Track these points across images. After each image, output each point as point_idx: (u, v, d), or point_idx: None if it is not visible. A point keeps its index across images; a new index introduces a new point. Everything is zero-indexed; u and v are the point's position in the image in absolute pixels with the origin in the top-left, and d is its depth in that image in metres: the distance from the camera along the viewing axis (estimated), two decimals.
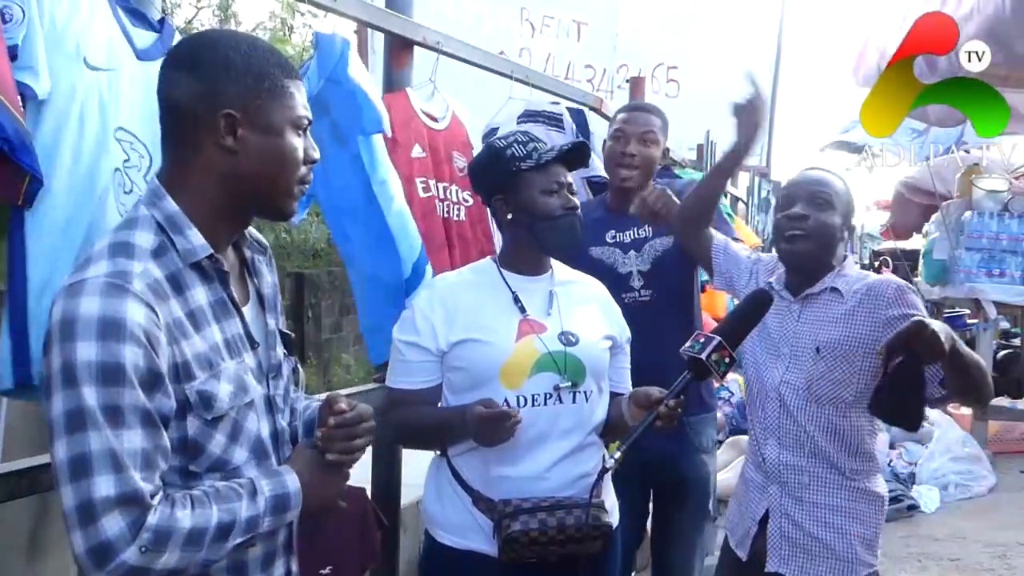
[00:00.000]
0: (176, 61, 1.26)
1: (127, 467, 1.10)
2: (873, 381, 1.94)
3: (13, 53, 1.53)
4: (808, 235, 1.97)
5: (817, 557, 1.99)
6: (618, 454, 1.57)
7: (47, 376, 1.13)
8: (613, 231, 2.62)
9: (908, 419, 1.78)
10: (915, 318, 1.67)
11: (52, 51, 1.60)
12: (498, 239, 2.78)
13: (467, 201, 2.72)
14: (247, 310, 1.33)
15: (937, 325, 1.66)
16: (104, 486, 1.09)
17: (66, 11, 1.64)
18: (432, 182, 2.62)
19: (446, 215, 2.66)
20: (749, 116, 2.16)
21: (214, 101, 1.20)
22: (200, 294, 1.23)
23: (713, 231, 2.30)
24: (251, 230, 1.40)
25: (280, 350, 1.39)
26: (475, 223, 2.75)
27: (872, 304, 1.96)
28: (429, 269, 2.42)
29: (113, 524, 1.09)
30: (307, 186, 1.31)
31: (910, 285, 2.03)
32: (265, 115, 1.23)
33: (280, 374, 1.38)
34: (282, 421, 1.37)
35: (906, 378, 1.69)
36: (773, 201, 6.02)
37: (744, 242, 3.80)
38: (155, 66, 1.80)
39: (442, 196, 2.65)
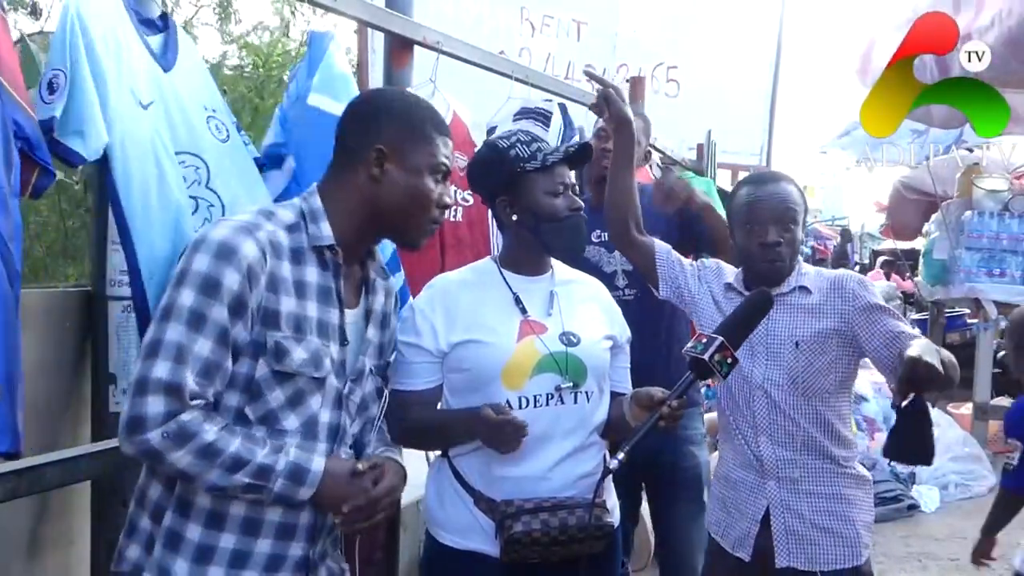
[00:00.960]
0: (356, 101, 1.58)
1: (187, 363, 1.30)
2: (849, 367, 2.08)
3: (50, 125, 1.62)
4: (783, 259, 2.05)
5: (824, 546, 2.03)
6: (621, 455, 1.58)
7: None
8: (598, 230, 2.65)
9: (928, 454, 1.81)
10: (907, 356, 1.69)
11: (116, 105, 1.66)
12: (497, 239, 2.79)
13: (466, 201, 2.72)
14: (351, 313, 1.51)
15: (922, 348, 1.71)
16: (161, 369, 1.28)
17: (114, 62, 1.68)
18: None
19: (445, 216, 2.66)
20: (610, 107, 2.17)
21: (371, 137, 1.47)
22: (312, 274, 1.43)
23: (654, 239, 2.30)
24: (380, 258, 1.62)
25: (370, 362, 1.56)
26: (473, 224, 2.74)
27: (839, 298, 2.06)
28: (400, 274, 2.41)
29: (153, 404, 1.28)
30: (437, 225, 1.54)
31: (863, 276, 2.18)
32: (410, 157, 1.48)
33: (361, 381, 1.54)
34: (348, 423, 1.50)
35: (916, 413, 1.74)
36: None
37: None
38: (177, 74, 1.84)
39: None
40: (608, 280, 2.54)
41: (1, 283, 1.54)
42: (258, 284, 1.35)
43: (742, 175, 6.70)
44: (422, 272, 2.49)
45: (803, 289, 2.09)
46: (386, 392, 1.64)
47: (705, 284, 2.21)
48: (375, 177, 1.46)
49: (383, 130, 1.47)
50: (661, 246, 2.28)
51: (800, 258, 2.16)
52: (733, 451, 2.16)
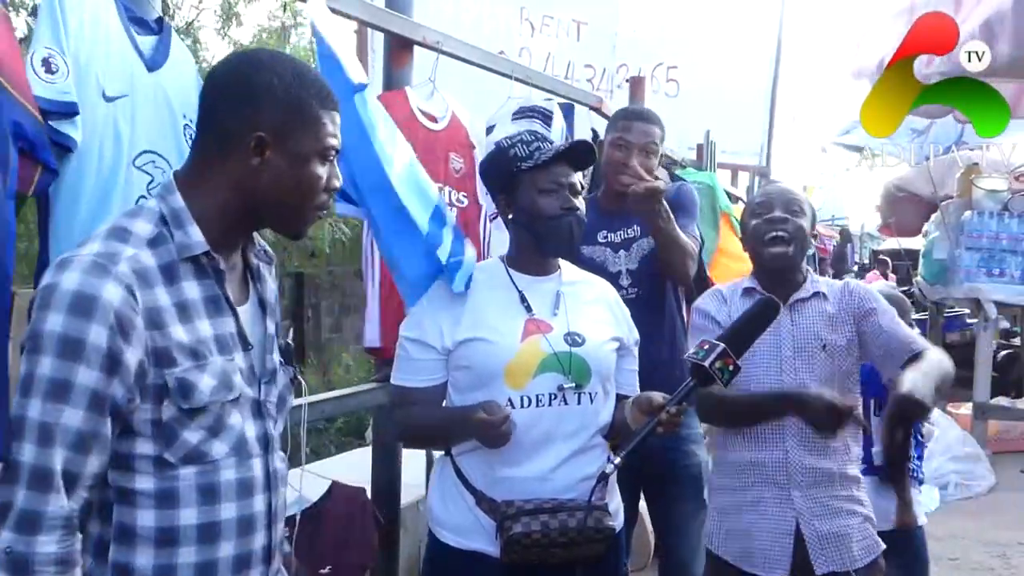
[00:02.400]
0: (224, 72, 1.32)
1: (54, 443, 1.12)
2: (857, 364, 2.14)
3: (74, 110, 1.55)
4: (789, 238, 2.09)
5: (851, 544, 2.06)
6: (618, 459, 1.58)
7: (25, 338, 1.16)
8: (605, 231, 2.66)
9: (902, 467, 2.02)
10: (896, 394, 1.77)
11: (80, 93, 1.62)
12: (496, 242, 2.79)
13: (461, 203, 2.71)
14: (244, 310, 1.34)
15: (913, 383, 1.77)
16: (27, 453, 1.11)
17: (88, 48, 1.65)
18: None
19: None
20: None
21: (249, 121, 1.25)
22: (192, 288, 1.25)
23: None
24: (259, 239, 1.43)
25: (276, 356, 1.40)
26: (469, 224, 2.73)
27: (850, 303, 2.13)
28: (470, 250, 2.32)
29: (16, 495, 1.11)
30: (324, 211, 1.35)
31: (867, 286, 2.25)
32: (295, 143, 1.27)
33: (274, 380, 1.38)
34: (272, 427, 1.36)
35: (902, 443, 1.82)
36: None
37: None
38: (163, 75, 1.83)
39: None
40: (612, 280, 2.54)
41: None
42: (134, 330, 1.15)
43: (742, 175, 6.71)
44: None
45: (821, 295, 2.14)
46: (299, 378, 1.52)
47: (723, 314, 2.16)
48: (254, 167, 1.26)
49: (263, 113, 1.25)
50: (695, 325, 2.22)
51: (809, 268, 2.21)
52: (747, 470, 2.11)
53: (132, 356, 1.16)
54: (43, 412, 1.12)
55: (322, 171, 1.30)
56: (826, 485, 2.07)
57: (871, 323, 2.08)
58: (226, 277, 1.30)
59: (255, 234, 1.41)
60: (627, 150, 2.63)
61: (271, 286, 1.43)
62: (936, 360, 1.95)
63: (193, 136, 1.89)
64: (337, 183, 1.35)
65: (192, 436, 1.23)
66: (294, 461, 1.67)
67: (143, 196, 1.73)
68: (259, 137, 1.25)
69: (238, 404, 1.28)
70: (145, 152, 1.76)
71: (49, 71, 1.55)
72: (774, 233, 2.09)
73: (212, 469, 1.25)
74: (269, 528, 1.33)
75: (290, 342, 1.48)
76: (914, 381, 1.77)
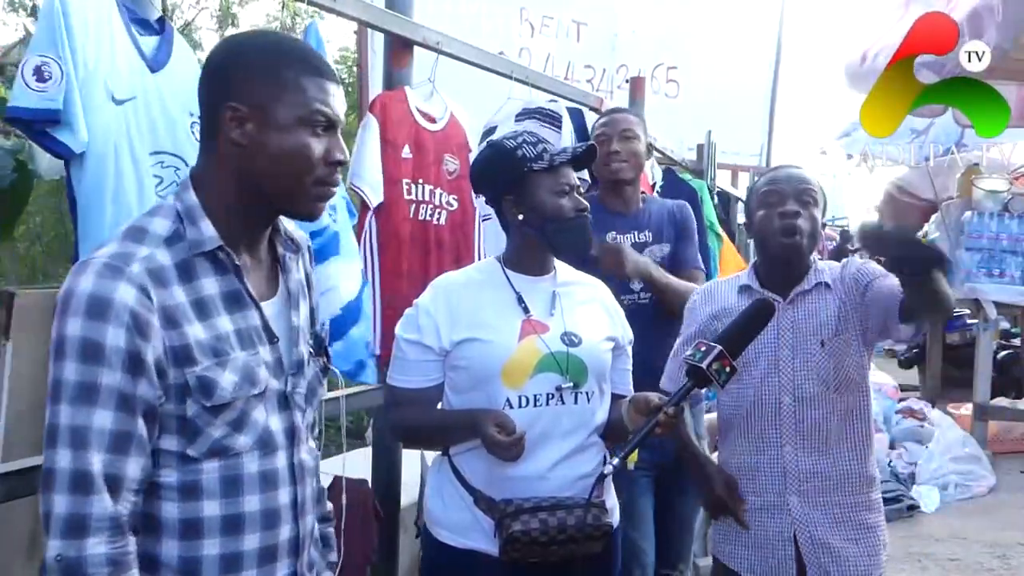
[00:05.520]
0: (207, 60, 1.30)
1: (89, 445, 1.12)
2: (867, 357, 2.07)
3: (56, 117, 1.55)
4: (803, 232, 1.98)
5: (852, 558, 2.00)
6: (616, 460, 1.59)
7: None
8: (614, 232, 2.66)
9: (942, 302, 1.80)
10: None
11: (87, 97, 1.62)
12: (482, 243, 2.79)
13: (451, 205, 2.69)
14: (270, 304, 1.32)
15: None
16: (63, 459, 1.11)
17: (95, 51, 1.65)
18: (415, 185, 2.59)
19: (426, 218, 2.62)
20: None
21: (223, 95, 1.22)
22: (211, 284, 1.23)
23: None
24: (288, 227, 1.39)
25: (304, 347, 1.37)
26: (456, 227, 2.70)
27: (851, 288, 2.02)
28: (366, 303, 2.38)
29: (59, 503, 1.11)
30: (329, 188, 1.28)
31: (861, 261, 2.11)
32: (274, 113, 1.22)
33: (302, 372, 1.36)
34: (299, 418, 1.35)
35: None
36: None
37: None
38: (166, 75, 1.84)
39: (425, 199, 2.61)
40: (624, 283, 2.54)
41: None
42: (150, 329, 1.15)
43: (742, 175, 6.71)
44: (405, 277, 2.50)
45: (825, 286, 2.04)
46: (331, 367, 1.49)
47: (714, 323, 2.09)
48: (237, 142, 1.22)
49: (235, 84, 1.22)
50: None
51: (816, 255, 2.10)
52: (746, 475, 2.07)
53: (151, 355, 1.16)
54: (73, 416, 1.12)
55: (312, 140, 1.24)
56: (827, 491, 2.00)
57: (873, 289, 1.96)
58: (248, 271, 1.28)
59: (283, 222, 1.37)
60: (608, 141, 2.70)
61: (295, 276, 1.39)
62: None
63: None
64: (338, 156, 1.27)
65: (215, 431, 1.22)
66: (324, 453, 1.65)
67: (159, 196, 1.74)
68: (232, 108, 1.21)
69: (263, 398, 1.27)
70: (156, 153, 1.77)
71: (41, 79, 1.56)
72: (787, 228, 1.97)
73: (235, 462, 1.25)
74: (296, 521, 1.33)
75: (320, 332, 1.45)
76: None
